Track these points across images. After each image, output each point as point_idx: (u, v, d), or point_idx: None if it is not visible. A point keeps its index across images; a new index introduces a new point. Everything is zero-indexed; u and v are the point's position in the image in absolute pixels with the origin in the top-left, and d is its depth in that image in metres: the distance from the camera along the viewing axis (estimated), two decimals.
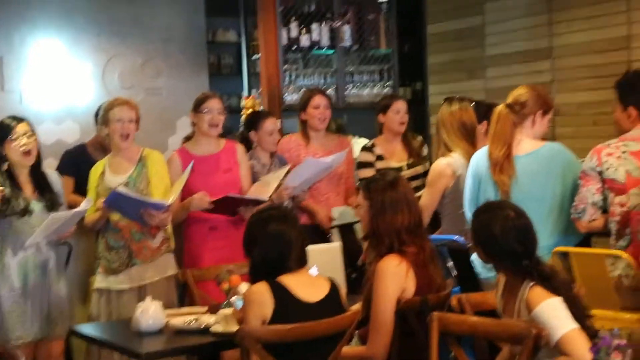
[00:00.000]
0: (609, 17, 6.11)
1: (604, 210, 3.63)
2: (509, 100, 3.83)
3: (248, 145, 4.84)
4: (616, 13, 6.06)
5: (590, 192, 3.58)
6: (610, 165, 3.54)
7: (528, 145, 3.78)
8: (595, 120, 6.13)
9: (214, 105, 4.34)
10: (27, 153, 3.96)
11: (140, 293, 4.01)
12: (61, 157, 5.00)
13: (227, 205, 4.25)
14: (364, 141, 6.08)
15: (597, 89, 6.11)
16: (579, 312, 2.69)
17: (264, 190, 4.32)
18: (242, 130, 5.13)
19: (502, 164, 3.73)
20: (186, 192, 4.22)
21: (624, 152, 3.55)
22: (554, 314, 2.64)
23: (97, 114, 4.97)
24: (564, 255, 3.52)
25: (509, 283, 2.83)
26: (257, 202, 4.23)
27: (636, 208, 3.50)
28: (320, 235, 4.69)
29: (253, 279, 2.99)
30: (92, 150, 4.97)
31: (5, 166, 3.96)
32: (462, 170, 4.20)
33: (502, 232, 2.77)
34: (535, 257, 2.78)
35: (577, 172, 3.71)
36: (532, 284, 2.71)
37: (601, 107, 5.87)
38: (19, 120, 4.01)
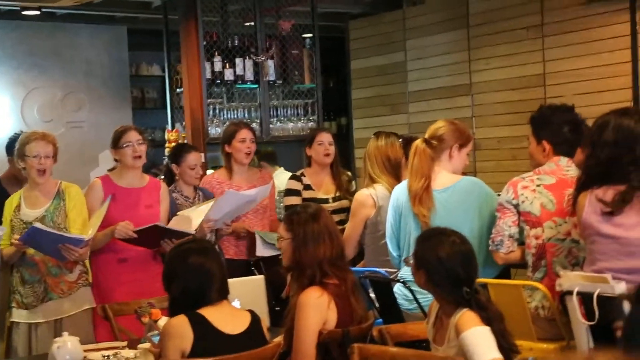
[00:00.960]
0: (525, 55, 6.33)
1: (521, 242, 3.71)
2: (427, 134, 3.90)
3: (171, 177, 4.81)
4: (532, 51, 6.28)
5: (507, 225, 3.66)
6: (525, 199, 3.63)
7: (446, 179, 3.85)
8: (514, 154, 6.30)
9: (133, 137, 4.30)
10: None
11: (57, 327, 3.92)
12: None
13: (151, 237, 4.20)
14: (288, 173, 6.11)
15: (515, 124, 6.29)
16: (507, 345, 2.72)
17: (186, 224, 4.28)
18: (167, 162, 5.09)
19: (421, 196, 3.80)
20: (106, 223, 4.16)
21: (538, 185, 3.64)
22: (480, 341, 2.67)
23: (8, 147, 4.88)
24: (483, 287, 3.57)
25: (443, 310, 2.86)
26: (183, 234, 4.19)
27: (551, 240, 3.58)
28: (245, 269, 4.67)
29: (172, 312, 2.95)
30: (5, 183, 4.87)
31: None
32: (384, 202, 4.26)
33: (448, 256, 2.80)
34: (474, 285, 2.82)
35: (494, 205, 3.79)
36: (465, 309, 2.74)
37: (520, 141, 6.04)
38: None
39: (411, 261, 2.93)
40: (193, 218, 4.36)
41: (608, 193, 3.18)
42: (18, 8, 6.59)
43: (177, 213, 4.42)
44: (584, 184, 3.25)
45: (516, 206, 3.64)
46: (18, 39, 6.85)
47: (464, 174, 4.14)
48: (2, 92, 6.78)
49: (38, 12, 6.68)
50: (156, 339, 3.06)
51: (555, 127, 3.67)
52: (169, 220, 4.37)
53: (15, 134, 5.03)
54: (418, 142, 3.87)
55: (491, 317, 2.73)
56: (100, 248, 4.23)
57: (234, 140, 4.86)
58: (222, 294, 2.98)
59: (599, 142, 3.20)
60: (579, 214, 3.26)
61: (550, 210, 3.58)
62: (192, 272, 2.94)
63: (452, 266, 2.79)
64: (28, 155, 4.04)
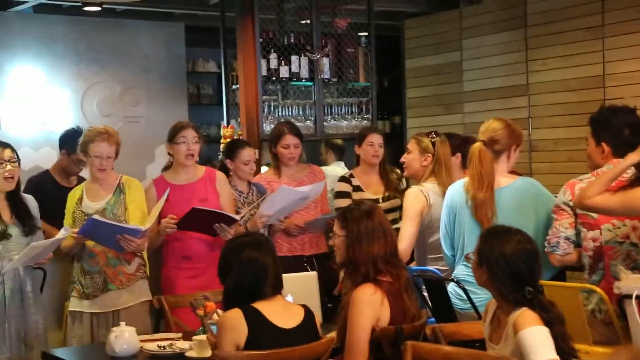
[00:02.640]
0: (584, 56, 6.24)
1: (578, 244, 3.66)
2: (484, 136, 3.85)
3: (226, 173, 4.85)
4: (592, 52, 6.19)
5: (564, 227, 3.62)
6: None
7: (502, 180, 3.82)
8: (570, 156, 6.21)
9: (189, 134, 4.34)
10: (9, 178, 3.95)
11: (114, 318, 3.99)
12: (25, 184, 5.01)
13: (201, 223, 4.24)
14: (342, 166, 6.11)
15: (572, 126, 6.20)
16: (567, 349, 2.69)
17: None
18: (221, 158, 5.15)
19: (487, 205, 3.75)
20: (160, 220, 4.22)
21: None
22: (538, 340, 2.64)
23: (62, 141, 4.99)
24: None
25: (501, 309, 2.84)
26: (227, 218, 4.23)
27: (608, 243, 3.53)
28: (299, 266, 4.69)
29: (226, 306, 2.98)
30: (55, 174, 4.99)
31: None
32: (434, 199, 4.25)
33: (513, 254, 2.77)
34: (537, 286, 2.79)
35: (550, 206, 3.75)
36: (524, 308, 2.72)
37: (576, 144, 5.97)
38: (4, 145, 4.02)
39: (472, 258, 2.92)
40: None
41: None
42: (80, 4, 6.72)
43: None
44: None
45: (573, 208, 3.60)
46: (79, 34, 6.99)
47: (517, 173, 4.10)
48: (64, 86, 6.92)
49: (99, 8, 6.81)
50: (214, 328, 3.10)
51: (616, 129, 3.62)
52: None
53: (71, 128, 5.14)
54: (479, 146, 3.81)
55: (552, 319, 2.70)
56: (166, 245, 4.30)
57: (278, 144, 4.89)
58: (276, 289, 3.00)
59: None
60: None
61: None
62: (247, 266, 2.96)
63: (516, 264, 2.76)
64: (91, 155, 4.12)
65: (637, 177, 3.30)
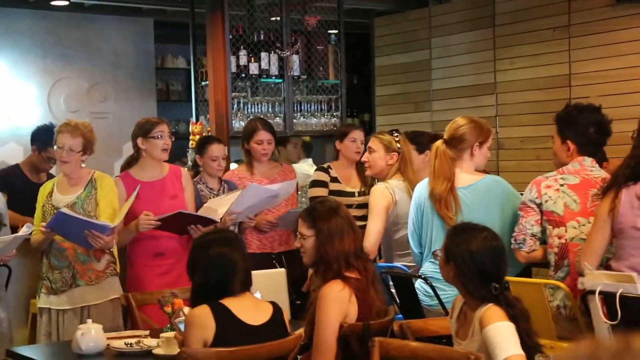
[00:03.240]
0: (551, 55, 6.30)
1: (543, 241, 3.70)
2: (447, 134, 3.89)
3: (198, 169, 4.86)
4: (558, 52, 6.25)
5: (530, 224, 3.66)
6: (549, 198, 3.62)
7: (467, 177, 3.85)
8: (537, 154, 6.28)
9: (165, 129, 4.34)
10: None
11: (83, 315, 3.96)
12: None
13: (176, 223, 4.23)
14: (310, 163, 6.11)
15: (539, 124, 6.26)
16: (532, 344, 2.72)
17: (213, 213, 4.32)
18: (193, 155, 5.15)
19: (445, 199, 3.79)
20: (131, 217, 4.19)
21: (562, 185, 3.63)
22: (503, 336, 2.67)
23: (33, 137, 4.95)
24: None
25: (468, 305, 2.86)
26: (208, 220, 4.22)
27: (574, 240, 3.58)
28: (268, 263, 4.69)
29: (194, 302, 2.97)
30: (25, 169, 4.96)
31: None
32: (400, 195, 4.28)
33: (479, 250, 2.80)
34: (504, 282, 2.81)
35: (516, 203, 3.79)
36: (490, 304, 2.75)
37: (543, 142, 6.02)
38: None
39: (439, 255, 2.94)
40: (219, 208, 4.38)
41: None
42: None
43: (205, 204, 4.45)
44: (626, 176, 3.24)
45: (539, 205, 3.64)
46: (46, 28, 6.91)
47: (485, 172, 4.14)
48: (30, 82, 6.84)
49: (67, 3, 6.75)
50: (182, 326, 3.09)
51: (581, 127, 3.66)
52: (197, 210, 4.39)
53: (43, 125, 5.10)
54: (439, 144, 3.86)
55: (517, 315, 2.73)
56: (135, 242, 4.28)
57: (251, 140, 4.90)
58: (245, 286, 3.00)
59: None
60: (616, 207, 3.25)
61: (573, 210, 3.58)
62: (215, 262, 2.95)
63: (482, 261, 2.79)
64: (56, 145, 4.09)
65: (603, 189, 3.34)
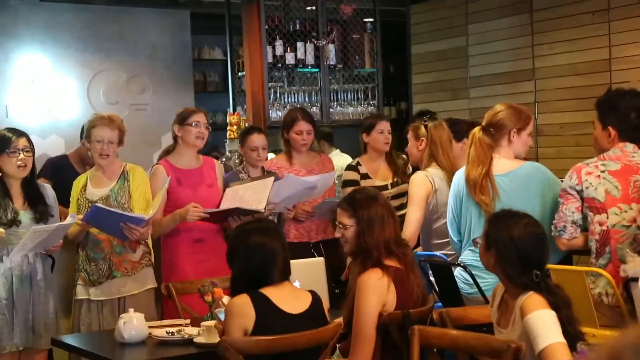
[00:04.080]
0: (590, 40, 6.22)
1: (584, 228, 3.66)
2: (485, 120, 3.86)
3: (242, 159, 4.91)
4: (598, 36, 6.17)
5: (570, 211, 3.62)
6: (590, 184, 3.58)
7: (506, 164, 3.80)
8: (577, 140, 6.21)
9: (201, 118, 4.38)
10: (22, 167, 3.97)
11: (120, 305, 4.02)
12: (44, 164, 5.05)
13: (223, 216, 4.29)
14: (344, 156, 6.11)
15: (579, 110, 6.19)
16: (574, 332, 2.70)
17: (236, 199, 4.33)
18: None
19: (480, 184, 3.76)
20: (173, 204, 4.25)
21: (603, 171, 3.58)
22: (544, 324, 2.65)
23: (82, 130, 5.01)
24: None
25: (509, 293, 2.84)
26: (251, 212, 4.26)
27: (615, 227, 3.53)
28: (306, 252, 4.70)
29: (234, 291, 2.99)
30: (73, 161, 5.02)
31: None
32: (440, 184, 4.26)
33: (521, 237, 2.78)
34: (545, 270, 2.79)
35: (556, 191, 3.74)
36: (532, 292, 2.73)
37: (583, 128, 5.95)
38: (20, 134, 4.03)
39: (479, 242, 2.92)
40: (244, 194, 4.39)
41: None
42: None
43: (227, 190, 4.45)
44: None
45: (580, 192, 3.60)
46: (85, 22, 6.98)
47: (525, 159, 4.09)
48: (70, 75, 6.92)
49: None
50: (222, 316, 3.12)
51: (622, 113, 3.61)
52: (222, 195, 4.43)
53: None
54: (475, 131, 3.83)
55: (559, 303, 2.71)
56: (172, 230, 4.31)
57: (291, 130, 4.91)
58: (284, 275, 3.01)
59: None
60: None
61: (615, 196, 3.53)
62: (254, 251, 2.96)
63: (524, 248, 2.76)
64: (92, 139, 4.14)
65: None
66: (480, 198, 3.76)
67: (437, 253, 4.24)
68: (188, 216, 4.19)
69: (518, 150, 3.85)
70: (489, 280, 3.63)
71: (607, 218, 3.54)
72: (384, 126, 4.98)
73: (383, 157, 5.00)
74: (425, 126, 4.44)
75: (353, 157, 5.21)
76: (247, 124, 6.05)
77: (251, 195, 4.36)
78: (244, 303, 2.90)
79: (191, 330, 3.33)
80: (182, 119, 4.37)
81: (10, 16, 6.69)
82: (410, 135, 4.52)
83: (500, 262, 2.80)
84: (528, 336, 2.65)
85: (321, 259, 4.13)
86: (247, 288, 2.94)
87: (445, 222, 4.13)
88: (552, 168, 3.96)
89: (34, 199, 4.03)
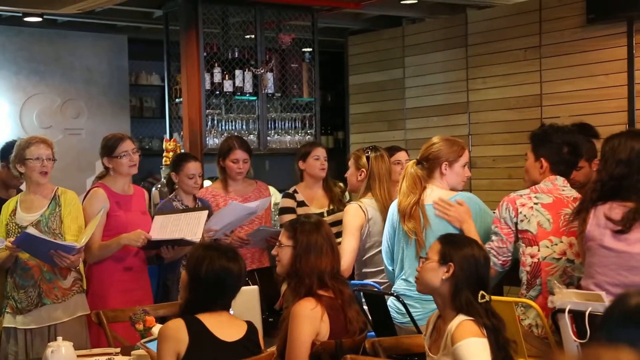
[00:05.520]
0: (523, 75, 6.38)
1: (515, 259, 3.72)
2: (420, 153, 3.94)
3: (171, 186, 4.84)
4: (529, 72, 6.33)
5: (505, 240, 3.67)
6: (524, 217, 3.64)
7: (438, 194, 3.86)
8: (509, 173, 6.33)
9: (129, 146, 4.33)
10: None
11: (50, 333, 3.92)
12: None
13: (155, 245, 4.27)
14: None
15: (511, 143, 6.33)
16: (505, 356, 2.75)
17: (164, 231, 4.32)
18: (167, 172, 5.13)
19: (410, 213, 3.82)
20: (112, 227, 4.23)
21: (536, 203, 3.66)
22: (473, 352, 2.68)
23: (2, 153, 4.90)
24: None
25: (442, 319, 2.87)
26: (188, 242, 4.25)
27: (546, 259, 3.60)
28: None
29: (183, 314, 2.94)
30: None
31: None
32: (373, 214, 4.30)
33: (479, 256, 2.86)
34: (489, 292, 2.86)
35: (487, 221, 3.81)
36: (464, 318, 2.76)
37: (515, 161, 6.08)
38: None
39: (426, 257, 2.94)
40: (176, 224, 4.36)
41: (614, 209, 3.23)
42: (20, 14, 6.62)
43: (156, 221, 4.42)
44: (594, 198, 3.29)
45: (515, 224, 3.65)
46: (19, 44, 6.88)
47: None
48: (2, 97, 6.79)
49: (40, 19, 6.72)
50: (150, 345, 3.07)
51: (556, 147, 3.70)
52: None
53: (12, 140, 5.05)
54: (409, 165, 3.92)
55: (498, 326, 2.76)
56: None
57: (227, 159, 4.90)
58: (227, 305, 2.99)
59: (612, 159, 3.27)
60: (581, 227, 3.30)
61: (546, 229, 3.61)
62: (218, 276, 2.91)
63: (481, 266, 2.84)
64: (30, 158, 4.07)
65: (589, 197, 3.38)
66: (408, 226, 3.80)
67: (370, 282, 4.26)
68: (138, 242, 4.16)
69: (452, 182, 3.91)
70: (421, 310, 3.68)
71: (539, 250, 3.61)
72: (320, 152, 5.00)
73: (320, 184, 5.02)
74: (367, 157, 4.47)
75: (289, 186, 5.21)
76: (182, 151, 6.01)
77: (185, 227, 4.33)
78: (177, 327, 2.86)
79: (121, 359, 3.27)
80: (109, 151, 4.32)
81: None
82: (351, 163, 4.56)
83: (455, 277, 2.82)
84: None
85: (255, 287, 4.10)
86: (196, 311, 2.90)
87: (378, 252, 4.17)
88: (485, 199, 4.03)
89: None
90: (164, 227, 4.32)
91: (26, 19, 6.74)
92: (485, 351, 2.68)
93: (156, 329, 3.28)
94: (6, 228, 4.08)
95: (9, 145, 4.96)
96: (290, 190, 5.04)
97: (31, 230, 3.92)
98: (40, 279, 4.03)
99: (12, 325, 4.03)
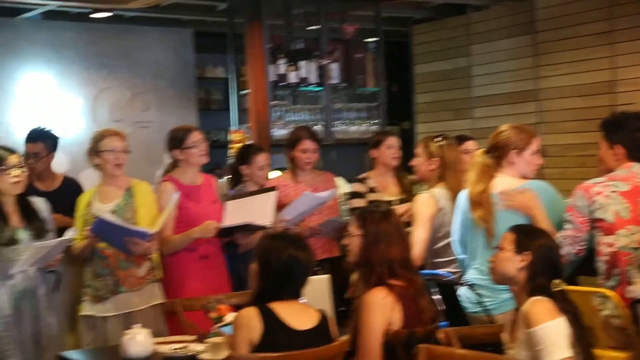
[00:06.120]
0: (593, 61, 6.24)
1: (590, 248, 3.64)
2: (488, 142, 3.88)
3: (238, 178, 4.87)
4: (600, 58, 6.19)
5: (578, 229, 3.60)
6: (600, 205, 3.56)
7: (507, 182, 3.79)
8: (581, 162, 6.22)
9: (198, 137, 4.38)
10: (16, 184, 3.95)
11: (127, 320, 3.99)
12: None
13: (229, 232, 4.29)
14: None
15: (582, 131, 6.21)
16: (582, 332, 2.76)
17: (252, 216, 4.33)
18: (232, 163, 5.16)
19: (478, 201, 3.77)
20: (183, 219, 4.26)
21: (613, 191, 3.58)
22: (552, 338, 2.67)
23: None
24: None
25: (519, 303, 2.87)
26: (260, 227, 4.28)
27: (624, 249, 3.52)
28: None
29: (254, 302, 2.97)
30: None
31: None
32: (445, 203, 4.26)
33: (553, 245, 2.96)
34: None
35: (561, 209, 3.73)
36: (536, 297, 2.74)
37: (587, 149, 5.96)
38: (11, 151, 4.01)
39: (501, 247, 2.96)
40: (247, 208, 4.39)
41: None
42: (89, 10, 6.75)
43: (228, 206, 4.43)
44: None
45: (590, 213, 3.58)
46: (89, 40, 7.01)
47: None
48: (74, 92, 6.94)
49: (108, 14, 6.84)
50: (225, 329, 3.11)
51: (630, 133, 3.62)
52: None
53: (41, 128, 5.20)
54: (478, 154, 3.88)
55: (575, 311, 2.77)
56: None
57: (296, 148, 4.92)
58: (297, 294, 3.01)
59: None
60: None
61: (624, 217, 3.52)
62: (288, 263, 2.97)
63: (556, 254, 2.92)
64: (104, 150, 4.15)
65: None
66: (477, 214, 3.76)
67: (441, 272, 4.22)
68: (209, 233, 4.20)
69: (522, 170, 3.83)
70: (494, 299, 3.63)
71: (617, 239, 3.53)
72: (393, 141, 5.01)
73: (391, 173, 5.02)
74: (439, 146, 4.44)
75: (355, 177, 5.20)
76: (250, 142, 6.05)
77: (256, 210, 4.36)
78: (251, 316, 2.90)
79: (196, 347, 3.32)
80: (179, 143, 4.36)
81: (14, 34, 6.72)
82: (420, 152, 4.52)
83: (531, 266, 2.86)
84: (534, 348, 2.66)
85: (326, 276, 4.11)
86: (262, 301, 2.93)
87: (449, 241, 4.13)
88: (557, 188, 3.95)
89: (29, 216, 4.01)
90: (235, 212, 4.35)
91: (95, 15, 6.87)
92: (563, 332, 2.66)
93: (230, 317, 3.32)
94: (83, 219, 4.17)
95: (49, 135, 5.10)
96: (361, 176, 5.05)
97: (105, 216, 3.99)
98: (116, 267, 4.11)
99: (91, 313, 4.11)
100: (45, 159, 5.05)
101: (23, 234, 3.96)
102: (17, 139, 6.27)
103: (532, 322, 2.69)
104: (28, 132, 5.14)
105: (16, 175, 3.93)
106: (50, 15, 6.94)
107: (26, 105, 6.71)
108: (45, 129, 5.21)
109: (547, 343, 2.64)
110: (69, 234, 3.96)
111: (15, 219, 3.98)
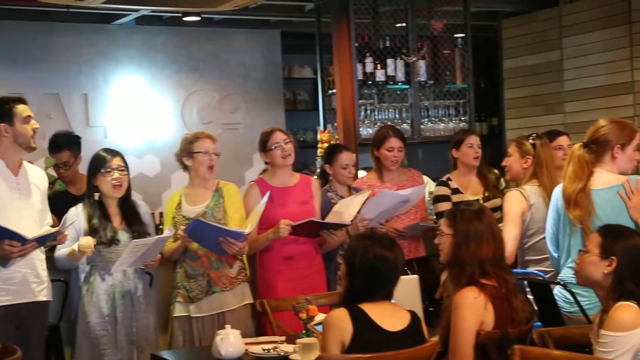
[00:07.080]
0: None
1: None
2: (587, 137, 3.76)
3: (325, 177, 4.88)
4: None
5: None
6: None
7: (608, 178, 3.69)
8: None
9: (279, 137, 4.39)
10: (117, 186, 4.05)
11: (220, 320, 4.05)
12: None
13: (308, 230, 4.29)
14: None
15: None
16: None
17: (343, 215, 4.34)
18: (322, 164, 5.19)
19: (575, 199, 3.67)
20: (264, 220, 4.26)
21: None
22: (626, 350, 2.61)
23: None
24: None
25: (605, 308, 2.80)
26: (338, 226, 4.27)
27: None
28: None
29: (344, 303, 2.97)
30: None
31: (96, 196, 4.07)
32: (535, 200, 4.18)
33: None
34: None
35: None
36: (623, 302, 2.66)
37: None
38: (114, 154, 4.12)
39: (588, 252, 2.87)
40: (346, 210, 4.40)
41: None
42: (180, 14, 6.89)
43: (333, 208, 4.47)
44: None
45: None
46: (179, 44, 7.16)
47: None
48: (165, 95, 7.10)
49: (198, 18, 6.97)
50: (319, 327, 3.11)
51: None
52: (323, 217, 4.44)
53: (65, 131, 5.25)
54: (575, 148, 3.75)
55: None
56: (267, 247, 4.34)
57: (382, 147, 4.90)
58: (388, 295, 2.99)
59: None
60: None
61: None
62: (376, 264, 2.95)
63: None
64: (199, 152, 4.21)
65: None
66: (574, 214, 3.66)
67: (534, 270, 4.14)
68: (281, 232, 4.21)
69: (623, 166, 3.72)
70: (590, 299, 3.52)
71: None
72: (474, 140, 4.95)
73: (474, 172, 4.97)
74: (534, 145, 4.36)
75: (443, 175, 5.15)
76: (337, 141, 6.06)
77: (344, 210, 4.37)
78: (341, 317, 2.90)
79: (287, 348, 3.33)
80: (263, 145, 4.42)
81: (109, 40, 6.92)
82: (513, 150, 4.44)
83: (617, 270, 2.78)
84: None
85: (415, 276, 4.07)
86: (352, 301, 2.92)
87: (541, 239, 4.05)
88: None
89: (130, 218, 4.11)
90: (338, 213, 4.36)
91: (185, 19, 7.01)
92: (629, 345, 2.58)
93: (319, 317, 3.32)
94: (173, 221, 4.24)
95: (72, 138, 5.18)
96: (444, 178, 5.00)
97: (201, 218, 4.06)
98: (209, 268, 4.17)
99: (185, 313, 4.17)
100: (74, 164, 5.14)
101: (123, 236, 4.06)
102: (113, 142, 6.48)
103: (612, 327, 2.61)
104: (49, 142, 5.16)
105: (116, 178, 4.03)
106: (143, 21, 7.12)
107: (120, 109, 6.89)
108: (66, 134, 5.27)
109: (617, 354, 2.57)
110: (166, 232, 4.04)
111: (117, 220, 4.09)
